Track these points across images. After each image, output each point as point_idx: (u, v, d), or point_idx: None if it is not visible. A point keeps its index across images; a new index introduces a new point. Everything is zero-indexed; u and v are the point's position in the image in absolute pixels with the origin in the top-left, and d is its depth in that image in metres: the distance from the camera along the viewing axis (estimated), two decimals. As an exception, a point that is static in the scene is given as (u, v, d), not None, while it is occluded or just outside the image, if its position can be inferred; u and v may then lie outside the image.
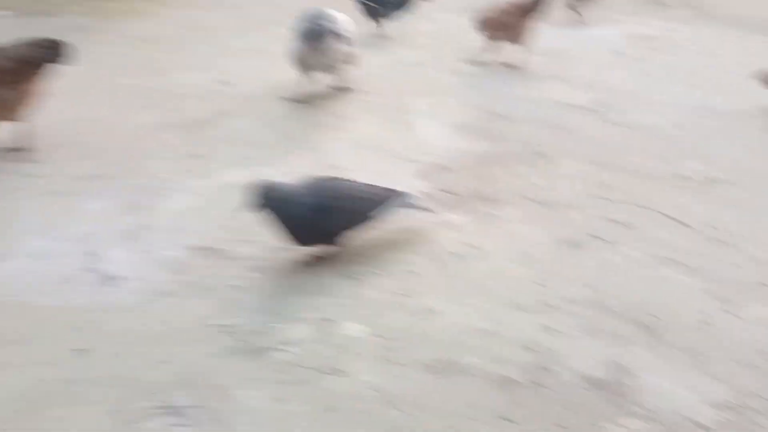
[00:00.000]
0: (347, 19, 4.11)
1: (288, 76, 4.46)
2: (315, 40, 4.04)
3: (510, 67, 4.62)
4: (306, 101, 4.15)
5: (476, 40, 4.73)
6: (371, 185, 2.63)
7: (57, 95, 3.59)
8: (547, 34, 4.73)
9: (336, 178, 2.63)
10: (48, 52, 3.18)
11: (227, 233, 2.68)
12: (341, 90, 4.23)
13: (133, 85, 4.41)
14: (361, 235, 2.56)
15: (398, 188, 2.65)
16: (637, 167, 3.20)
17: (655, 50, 4.85)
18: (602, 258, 2.52)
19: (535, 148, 3.45)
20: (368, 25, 5.45)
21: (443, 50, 5.01)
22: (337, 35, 4.16)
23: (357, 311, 2.25)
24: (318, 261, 2.51)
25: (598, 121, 3.72)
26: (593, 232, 2.69)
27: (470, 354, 2.05)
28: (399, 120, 3.87)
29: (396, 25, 5.41)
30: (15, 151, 3.29)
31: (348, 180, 2.63)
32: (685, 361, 2.01)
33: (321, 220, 2.44)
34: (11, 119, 3.29)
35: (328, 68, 4.19)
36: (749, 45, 4.94)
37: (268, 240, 2.67)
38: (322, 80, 4.23)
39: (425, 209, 2.72)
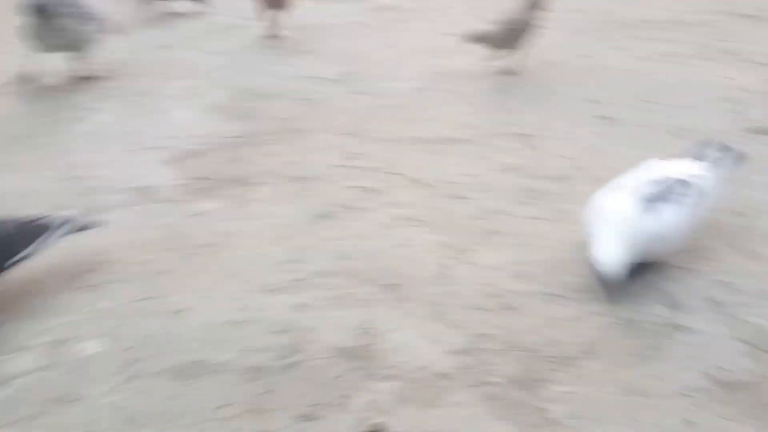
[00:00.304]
0: None
1: (11, 61, 3.93)
2: (46, 15, 3.58)
3: (271, 40, 4.50)
4: (39, 91, 3.71)
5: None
6: (21, 221, 2.17)
7: None
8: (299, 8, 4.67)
9: None
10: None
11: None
12: (83, 76, 3.82)
13: None
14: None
15: (56, 215, 2.27)
16: (383, 134, 3.25)
17: (396, 20, 4.99)
18: (352, 226, 2.52)
19: (289, 124, 3.37)
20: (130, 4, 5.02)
21: (199, 29, 4.76)
22: (74, 12, 3.74)
23: (94, 326, 2.02)
24: None
25: (348, 93, 3.72)
26: (344, 202, 2.68)
27: (222, 350, 1.94)
28: (148, 106, 3.59)
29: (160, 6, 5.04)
30: None
31: None
32: (426, 314, 2.07)
33: None
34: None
35: (67, 49, 3.75)
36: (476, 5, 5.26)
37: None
38: (61, 65, 3.79)
39: (92, 227, 2.35)
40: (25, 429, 1.68)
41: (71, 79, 3.82)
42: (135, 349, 1.94)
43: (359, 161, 3.00)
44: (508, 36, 3.79)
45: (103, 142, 3.20)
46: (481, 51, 3.86)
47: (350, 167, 2.96)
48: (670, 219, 2.11)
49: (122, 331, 2.01)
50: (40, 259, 2.27)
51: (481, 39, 3.78)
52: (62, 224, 2.23)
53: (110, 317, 2.06)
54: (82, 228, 2.31)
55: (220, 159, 3.05)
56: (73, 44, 3.74)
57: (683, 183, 2.19)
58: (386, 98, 3.66)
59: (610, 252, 2.04)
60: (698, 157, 2.39)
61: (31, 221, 2.18)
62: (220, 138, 3.24)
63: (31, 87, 3.76)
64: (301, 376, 1.85)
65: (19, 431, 1.68)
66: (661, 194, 2.13)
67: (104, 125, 3.37)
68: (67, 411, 1.73)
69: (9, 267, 2.07)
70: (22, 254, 2.09)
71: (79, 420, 1.70)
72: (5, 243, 2.07)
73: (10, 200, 2.68)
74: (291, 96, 3.69)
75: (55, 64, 3.81)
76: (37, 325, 2.01)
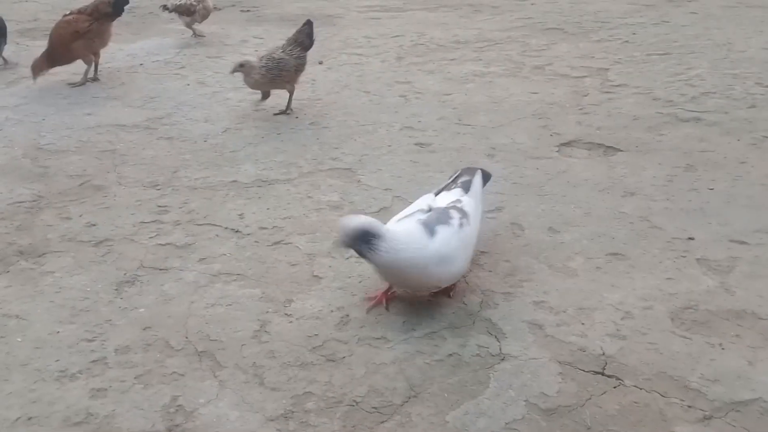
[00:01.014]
0: None
1: None
2: None
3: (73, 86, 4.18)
4: None
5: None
6: None
7: None
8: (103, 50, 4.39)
9: None
10: None
11: None
12: None
13: None
14: None
15: None
16: (194, 182, 3.10)
17: (207, 56, 4.85)
18: (159, 291, 2.35)
19: (89, 180, 3.12)
20: None
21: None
22: None
23: None
24: None
25: (154, 139, 3.54)
26: (151, 263, 2.50)
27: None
28: None
29: None
30: None
31: None
32: (243, 380, 1.95)
33: None
34: None
35: None
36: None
37: None
38: None
39: None
40: None
41: None
42: None
43: (169, 215, 2.83)
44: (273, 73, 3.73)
45: None
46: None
47: (158, 222, 2.78)
48: (449, 241, 2.17)
49: None
50: None
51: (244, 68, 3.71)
52: None
53: None
54: None
55: (8, 229, 2.75)
56: None
57: (449, 209, 2.29)
58: (197, 142, 3.51)
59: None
60: (455, 185, 2.51)
61: None
62: (7, 205, 2.92)
63: None
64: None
65: None
66: (436, 220, 2.21)
67: None
68: None
69: None
70: None
71: None
72: None
73: None
74: (91, 149, 3.43)
75: None
76: None
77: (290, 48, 3.81)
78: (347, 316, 2.23)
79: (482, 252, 2.53)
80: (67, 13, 4.34)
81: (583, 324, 2.18)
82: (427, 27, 5.73)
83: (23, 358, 2.05)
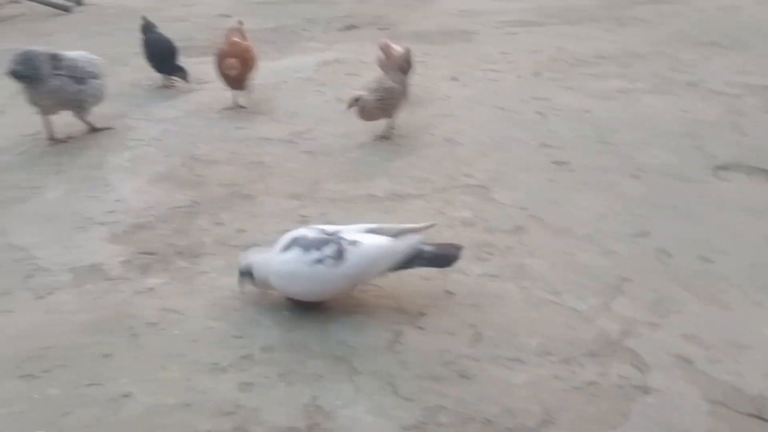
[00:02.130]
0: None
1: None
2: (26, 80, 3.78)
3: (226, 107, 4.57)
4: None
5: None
6: None
7: None
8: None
9: None
10: None
11: None
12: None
13: None
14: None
15: None
16: (334, 194, 3.31)
17: (345, 74, 5.10)
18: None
19: (239, 190, 3.41)
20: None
21: (145, 96, 4.80)
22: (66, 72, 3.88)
23: (38, 416, 2.00)
24: None
25: (296, 152, 3.79)
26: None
27: (163, 438, 1.93)
28: (96, 180, 3.59)
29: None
30: None
31: None
32: (378, 387, 2.08)
33: None
34: None
35: (64, 108, 3.98)
36: (427, 58, 5.42)
37: None
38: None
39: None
40: None
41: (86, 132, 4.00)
42: (75, 443, 1.92)
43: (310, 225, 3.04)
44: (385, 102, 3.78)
45: (46, 222, 3.20)
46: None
47: (301, 232, 2.99)
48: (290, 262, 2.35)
49: (66, 421, 1.98)
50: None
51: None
52: None
53: (54, 406, 2.03)
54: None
55: (168, 231, 3.06)
56: (67, 104, 3.95)
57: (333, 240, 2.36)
58: (335, 156, 3.72)
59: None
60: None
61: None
62: (167, 209, 3.25)
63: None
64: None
65: None
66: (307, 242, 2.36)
67: (49, 204, 3.37)
68: None
69: None
70: None
71: None
72: None
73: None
74: (240, 160, 3.73)
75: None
76: (-29, 426, 1.98)
77: (392, 75, 3.86)
78: (480, 334, 2.31)
79: (624, 279, 2.50)
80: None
81: (737, 361, 2.10)
82: (567, 41, 5.69)
83: (179, 349, 2.30)
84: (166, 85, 4.91)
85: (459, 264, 2.47)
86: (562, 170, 3.49)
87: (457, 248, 2.48)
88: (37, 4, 8.01)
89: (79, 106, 4.00)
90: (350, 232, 2.41)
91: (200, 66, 5.39)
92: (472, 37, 6.02)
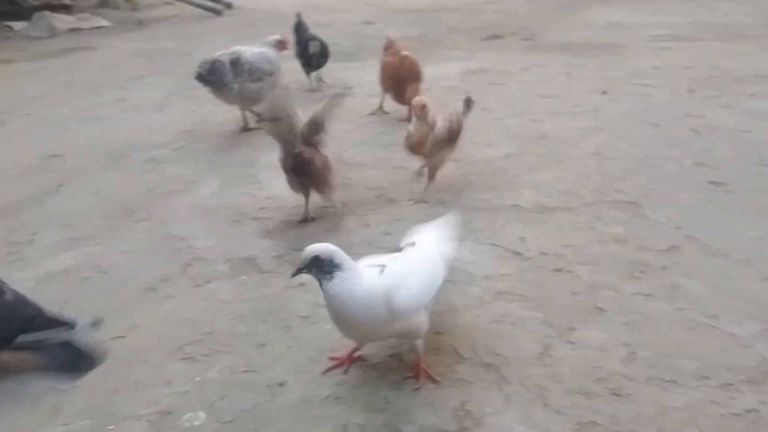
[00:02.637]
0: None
1: (124, 142, 4.34)
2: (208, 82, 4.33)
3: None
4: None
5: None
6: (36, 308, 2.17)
7: None
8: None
9: None
10: None
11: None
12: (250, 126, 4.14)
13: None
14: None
15: (67, 317, 2.19)
16: (478, 202, 3.31)
17: (490, 83, 5.10)
18: (447, 301, 2.54)
19: (383, 193, 3.49)
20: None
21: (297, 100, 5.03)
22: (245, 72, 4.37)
23: (198, 397, 2.15)
24: None
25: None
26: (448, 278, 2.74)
27: (318, 427, 2.00)
28: (246, 177, 3.82)
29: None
30: None
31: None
32: (528, 398, 2.06)
33: None
34: None
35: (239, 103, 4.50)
36: (573, 70, 5.33)
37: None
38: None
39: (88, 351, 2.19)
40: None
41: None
42: (236, 423, 2.04)
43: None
44: None
45: (202, 213, 3.43)
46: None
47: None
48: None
49: (224, 404, 2.12)
50: (144, 331, 2.48)
51: None
52: (71, 328, 2.16)
53: (213, 389, 2.18)
54: (83, 342, 2.18)
55: (317, 230, 3.19)
56: (245, 101, 4.47)
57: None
58: (479, 165, 3.73)
59: None
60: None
61: (49, 316, 2.16)
62: (319, 207, 3.40)
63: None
64: (399, 461, 1.88)
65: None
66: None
67: (205, 197, 3.61)
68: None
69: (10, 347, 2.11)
70: (24, 340, 2.10)
71: (182, 495, 1.81)
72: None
73: (114, 274, 2.92)
74: (386, 165, 3.83)
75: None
76: (148, 394, 2.16)
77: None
78: (634, 353, 2.23)
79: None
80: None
81: None
82: (722, 58, 5.40)
83: (332, 344, 2.39)
84: (313, 88, 5.13)
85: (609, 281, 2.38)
86: (719, 190, 3.31)
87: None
88: (190, 7, 8.64)
89: (254, 101, 4.38)
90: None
91: (344, 72, 5.61)
92: (621, 51, 5.85)
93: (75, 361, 2.16)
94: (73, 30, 8.39)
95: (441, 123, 3.34)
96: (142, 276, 2.89)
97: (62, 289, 2.80)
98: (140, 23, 8.51)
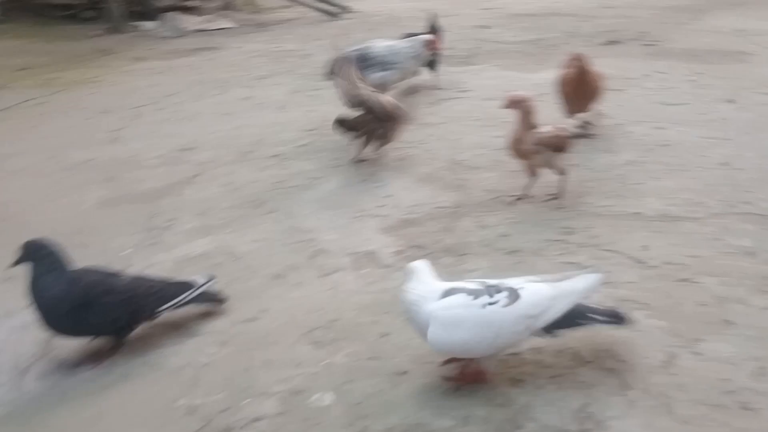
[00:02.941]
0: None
1: (251, 138, 4.59)
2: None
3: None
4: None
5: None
6: (160, 281, 2.69)
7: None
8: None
9: (116, 273, 2.64)
10: None
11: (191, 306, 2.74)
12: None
13: (88, 159, 4.50)
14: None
15: (193, 280, 2.73)
16: (599, 209, 3.29)
17: (612, 90, 5.00)
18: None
19: (500, 195, 3.54)
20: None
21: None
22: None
23: (327, 379, 2.29)
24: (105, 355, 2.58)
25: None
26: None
27: (442, 416, 2.09)
28: (366, 176, 3.96)
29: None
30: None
31: (136, 276, 2.70)
32: (651, 405, 2.05)
33: (72, 314, 2.45)
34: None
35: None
36: (698, 77, 5.15)
37: (232, 312, 2.75)
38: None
39: (218, 301, 2.78)
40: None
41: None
42: (363, 405, 2.16)
43: (573, 236, 3.07)
44: None
45: (325, 209, 3.60)
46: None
47: (564, 242, 3.03)
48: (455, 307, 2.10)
49: (352, 387, 2.24)
50: (275, 314, 2.66)
51: None
52: (198, 290, 2.71)
53: (340, 373, 2.32)
54: (211, 299, 2.77)
55: (435, 228, 3.28)
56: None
57: (503, 288, 2.13)
58: (600, 171, 3.70)
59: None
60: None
61: (177, 282, 2.72)
62: (433, 208, 3.48)
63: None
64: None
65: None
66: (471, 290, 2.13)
67: (328, 193, 3.78)
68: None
69: (156, 315, 2.65)
70: (165, 306, 2.63)
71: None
72: (155, 295, 2.62)
73: (246, 261, 3.13)
74: (502, 167, 3.86)
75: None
76: (280, 373, 2.32)
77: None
78: (764, 368, 2.18)
79: None
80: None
81: None
82: None
83: (450, 339, 2.47)
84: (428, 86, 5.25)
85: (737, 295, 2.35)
86: None
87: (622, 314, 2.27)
88: (308, 10, 8.96)
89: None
90: (513, 282, 2.19)
91: (460, 75, 5.68)
92: (748, 58, 5.61)
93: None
94: (199, 31, 8.90)
95: (548, 128, 3.34)
96: (271, 264, 3.08)
97: (199, 272, 3.02)
98: (262, 26, 8.92)
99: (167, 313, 2.66)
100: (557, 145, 3.36)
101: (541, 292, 2.13)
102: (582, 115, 4.19)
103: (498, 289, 2.12)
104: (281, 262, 3.08)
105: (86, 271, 2.55)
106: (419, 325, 2.14)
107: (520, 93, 3.38)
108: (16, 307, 2.74)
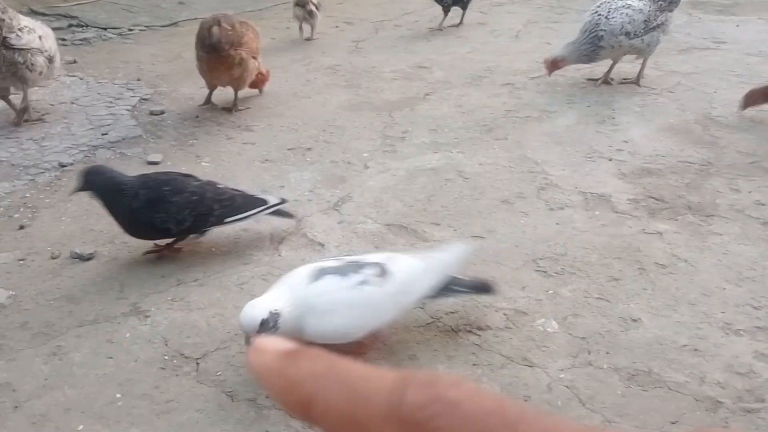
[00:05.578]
0: None
1: (484, 63, 4.58)
2: None
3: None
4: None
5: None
6: (239, 192, 2.64)
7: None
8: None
9: (189, 177, 2.60)
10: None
11: (421, 215, 2.85)
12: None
13: (334, 64, 4.75)
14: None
15: (269, 197, 2.68)
16: None
17: None
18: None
19: (759, 161, 3.26)
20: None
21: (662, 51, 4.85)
22: None
23: (551, 308, 2.30)
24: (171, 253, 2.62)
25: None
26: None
27: (673, 370, 2.03)
28: (603, 117, 3.82)
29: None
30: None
31: (212, 183, 2.63)
32: None
33: (146, 213, 2.44)
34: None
35: None
36: None
37: (459, 227, 2.82)
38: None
39: (291, 217, 2.75)
40: (488, 376, 2.03)
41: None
42: (587, 341, 2.15)
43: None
44: None
45: (557, 144, 3.53)
46: None
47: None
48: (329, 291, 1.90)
49: (577, 321, 2.24)
50: (501, 237, 2.68)
51: None
52: (270, 208, 2.64)
53: (566, 305, 2.31)
54: (286, 214, 2.73)
55: (678, 183, 3.10)
56: None
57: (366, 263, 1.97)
58: None
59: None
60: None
61: (249, 195, 2.66)
62: (677, 161, 3.29)
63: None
64: (761, 426, 1.84)
65: (484, 376, 2.02)
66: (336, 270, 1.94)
67: (560, 129, 3.70)
68: (523, 372, 2.03)
69: (229, 222, 2.61)
70: (240, 216, 2.59)
71: (535, 384, 1.98)
72: (223, 202, 2.57)
73: (474, 181, 3.17)
74: (764, 131, 3.54)
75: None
76: (504, 292, 2.35)
77: None
78: None
79: None
80: None
81: None
82: None
83: (689, 297, 2.35)
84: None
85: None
86: None
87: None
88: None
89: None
90: (375, 257, 2.05)
91: (718, 25, 5.21)
92: None
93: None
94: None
95: None
96: (499, 188, 3.10)
97: (429, 184, 3.13)
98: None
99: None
100: None
101: (412, 268, 2.03)
102: None
103: (364, 264, 1.97)
104: (509, 189, 3.09)
105: (156, 174, 2.61)
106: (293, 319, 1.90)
107: None
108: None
